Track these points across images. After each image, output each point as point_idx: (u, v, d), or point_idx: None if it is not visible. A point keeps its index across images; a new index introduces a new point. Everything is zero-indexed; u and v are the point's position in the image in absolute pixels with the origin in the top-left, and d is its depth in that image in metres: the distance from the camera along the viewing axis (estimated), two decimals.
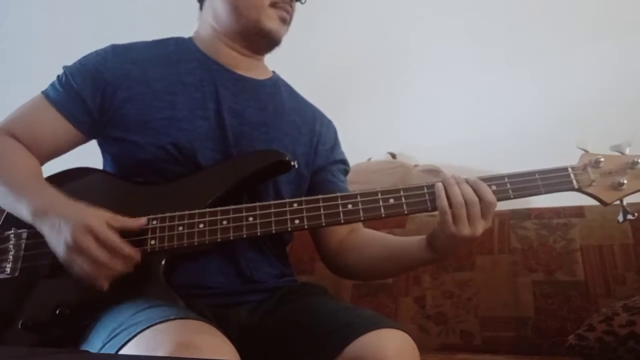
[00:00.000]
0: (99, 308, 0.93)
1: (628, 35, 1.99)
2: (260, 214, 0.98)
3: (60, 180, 1.05)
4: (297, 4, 1.18)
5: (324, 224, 1.00)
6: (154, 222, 0.98)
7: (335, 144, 1.26)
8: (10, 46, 2.87)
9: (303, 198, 1.00)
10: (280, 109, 1.19)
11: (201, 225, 0.97)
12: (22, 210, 0.97)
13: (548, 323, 1.45)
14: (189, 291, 1.00)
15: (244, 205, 0.99)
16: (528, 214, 1.62)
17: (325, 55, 2.38)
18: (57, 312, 0.94)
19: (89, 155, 1.15)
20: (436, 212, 1.00)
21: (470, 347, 1.50)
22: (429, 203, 0.99)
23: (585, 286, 1.46)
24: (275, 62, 1.26)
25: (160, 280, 0.97)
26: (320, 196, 1.00)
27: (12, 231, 1.01)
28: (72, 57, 1.15)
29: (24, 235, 1.01)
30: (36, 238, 0.99)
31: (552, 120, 2.01)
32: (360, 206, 0.99)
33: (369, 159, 2.23)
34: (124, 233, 0.94)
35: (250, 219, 0.98)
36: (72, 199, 0.97)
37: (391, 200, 0.99)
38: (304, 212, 0.99)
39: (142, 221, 0.96)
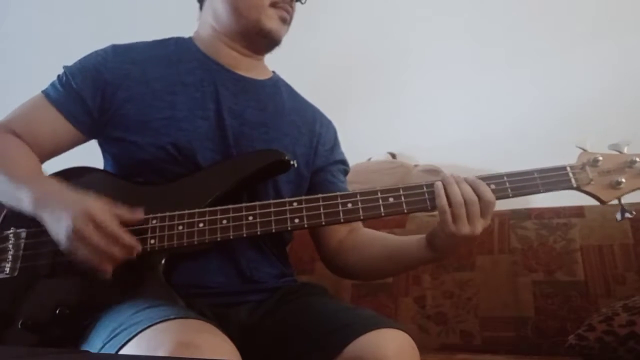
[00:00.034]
0: (99, 308, 0.93)
1: (628, 35, 1.99)
2: (260, 213, 0.98)
3: (60, 178, 1.05)
4: (297, 4, 1.18)
5: (323, 223, 1.00)
6: (154, 221, 0.98)
7: (335, 144, 1.26)
8: (10, 46, 2.87)
9: (303, 197, 1.00)
10: (280, 109, 1.19)
11: (201, 225, 0.97)
12: (23, 200, 0.97)
13: (548, 323, 1.45)
14: (189, 291, 1.00)
15: (243, 205, 0.99)
16: (528, 214, 1.62)
17: (325, 55, 2.38)
18: (57, 312, 0.94)
19: (89, 155, 1.15)
20: (436, 212, 1.00)
21: (470, 347, 1.50)
22: (428, 202, 0.99)
23: (585, 286, 1.46)
24: (275, 62, 1.26)
25: (160, 280, 0.97)
26: (320, 195, 1.00)
27: (12, 231, 1.01)
28: (72, 57, 1.15)
29: (23, 234, 1.01)
30: (35, 237, 0.99)
31: (552, 120, 2.01)
32: (360, 205, 0.99)
33: (369, 159, 2.23)
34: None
35: (250, 218, 0.98)
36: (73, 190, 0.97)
37: (391, 199, 0.99)
38: (304, 211, 0.99)
39: (140, 215, 0.97)
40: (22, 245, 1.00)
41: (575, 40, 2.07)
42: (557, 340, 1.41)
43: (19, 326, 0.94)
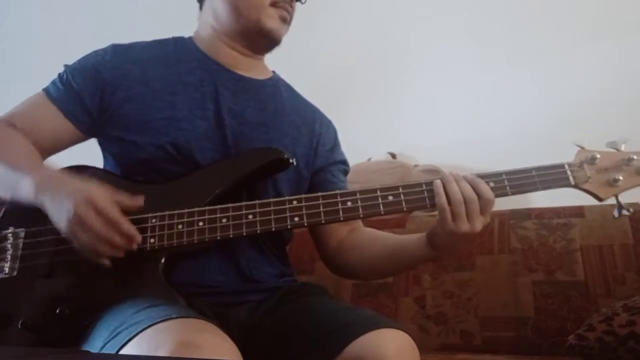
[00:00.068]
0: (100, 307, 0.93)
1: (628, 35, 1.99)
2: (259, 212, 0.98)
3: None
4: (297, 4, 1.18)
5: (323, 222, 1.00)
6: (153, 220, 0.98)
7: (335, 144, 1.26)
8: (10, 46, 2.87)
9: (302, 196, 1.00)
10: (280, 109, 1.19)
11: (201, 224, 0.97)
12: (24, 186, 0.97)
13: (548, 323, 1.45)
14: (188, 290, 0.99)
15: (243, 203, 0.99)
16: (528, 214, 1.62)
17: (325, 55, 2.37)
18: (57, 311, 0.94)
19: (88, 154, 1.15)
20: (436, 212, 1.00)
21: (470, 347, 1.50)
22: (427, 200, 1.00)
23: (585, 286, 1.46)
24: (275, 62, 1.26)
25: (160, 279, 0.97)
26: (319, 194, 1.00)
27: (10, 230, 1.01)
28: (72, 57, 1.15)
29: (22, 234, 1.01)
30: (34, 237, 0.99)
31: (552, 120, 2.01)
32: (359, 203, 0.99)
33: (369, 159, 2.23)
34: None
35: (250, 216, 0.98)
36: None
37: (390, 198, 0.99)
38: (304, 209, 0.99)
39: (140, 201, 0.97)
40: (21, 244, 1.00)
41: (575, 40, 2.07)
42: (557, 340, 1.41)
43: (19, 326, 0.94)
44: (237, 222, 0.98)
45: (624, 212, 0.99)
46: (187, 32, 1.23)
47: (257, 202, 0.99)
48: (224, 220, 0.98)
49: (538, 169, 1.01)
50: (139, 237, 0.94)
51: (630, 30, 2.00)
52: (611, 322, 1.15)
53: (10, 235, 1.01)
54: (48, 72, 1.15)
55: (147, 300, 0.89)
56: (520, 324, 1.48)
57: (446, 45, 2.25)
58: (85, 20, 2.74)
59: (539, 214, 1.61)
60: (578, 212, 1.57)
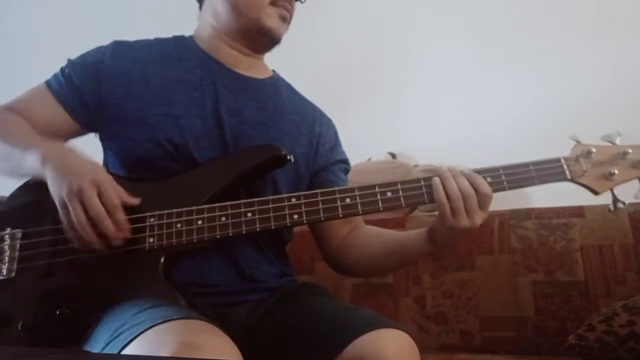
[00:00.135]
0: (100, 308, 0.93)
1: (628, 35, 1.99)
2: (258, 210, 0.98)
3: None
4: (297, 3, 1.18)
5: (322, 219, 1.00)
6: (152, 219, 0.98)
7: (335, 143, 1.26)
8: (10, 46, 2.87)
9: (301, 193, 1.00)
10: (279, 108, 1.19)
11: (200, 222, 0.97)
12: (29, 159, 0.97)
13: (548, 323, 1.45)
14: (189, 289, 1.00)
15: (242, 201, 0.99)
16: (528, 214, 1.62)
17: (325, 55, 2.37)
18: (58, 312, 0.94)
19: (89, 151, 1.15)
20: (436, 212, 1.01)
21: (470, 347, 1.50)
22: (425, 196, 1.00)
23: (585, 286, 1.46)
24: (275, 62, 1.26)
25: (160, 278, 0.97)
26: (318, 190, 1.00)
27: (7, 231, 1.00)
28: (72, 57, 1.15)
29: (19, 235, 1.00)
30: (31, 238, 0.99)
31: (552, 120, 2.01)
32: (358, 200, 0.99)
33: (369, 159, 2.23)
34: None
35: (249, 214, 0.98)
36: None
37: (388, 194, 1.00)
38: (303, 207, 0.99)
39: (136, 201, 0.97)
40: (18, 246, 0.99)
41: (575, 40, 2.07)
42: (557, 340, 1.41)
43: (19, 328, 0.93)
44: (236, 220, 0.97)
45: (620, 205, 1.00)
46: (187, 32, 1.23)
47: (255, 199, 0.99)
48: (223, 218, 0.97)
49: (535, 163, 1.01)
50: (127, 232, 0.94)
51: (630, 30, 1.99)
52: (611, 322, 1.14)
53: (7, 236, 1.00)
54: (48, 72, 1.15)
55: (148, 300, 0.89)
56: (520, 324, 1.48)
57: (446, 45, 2.25)
58: (85, 20, 2.74)
59: (539, 214, 1.61)
60: (578, 212, 1.57)
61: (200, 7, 1.23)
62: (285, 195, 1.00)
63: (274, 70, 1.26)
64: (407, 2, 2.34)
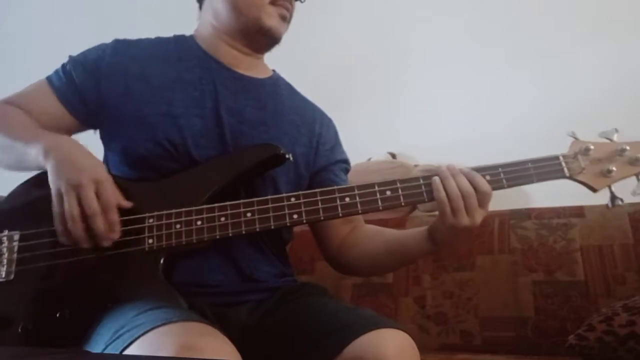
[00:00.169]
0: (100, 309, 0.92)
1: (628, 35, 1.99)
2: (258, 210, 0.98)
3: None
4: (297, 3, 1.18)
5: (322, 218, 0.99)
6: (151, 220, 0.97)
7: (336, 143, 1.26)
8: (10, 46, 2.87)
9: (300, 192, 1.00)
10: (279, 108, 1.19)
11: (199, 223, 0.97)
12: (32, 151, 0.98)
13: (548, 323, 1.45)
14: (189, 289, 0.99)
15: (241, 201, 0.99)
16: (528, 214, 1.62)
17: (325, 55, 2.38)
18: (58, 315, 0.93)
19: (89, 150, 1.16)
20: (436, 212, 1.01)
21: (470, 347, 1.50)
22: (425, 194, 1.00)
23: (585, 286, 1.46)
24: (275, 62, 1.26)
25: (160, 279, 0.96)
26: (317, 190, 1.00)
27: (5, 233, 1.00)
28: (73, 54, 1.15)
29: (16, 237, 0.99)
30: (29, 240, 0.98)
31: (552, 120, 2.00)
32: (357, 199, 0.99)
33: (369, 159, 2.23)
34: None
35: (249, 214, 0.97)
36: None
37: (388, 193, 1.00)
38: (302, 206, 0.99)
39: (128, 203, 0.98)
40: (16, 248, 0.98)
41: (575, 40, 2.07)
42: (557, 340, 1.41)
43: (19, 330, 0.93)
44: (235, 220, 0.97)
45: (618, 202, 1.01)
46: (187, 32, 1.23)
47: (255, 199, 0.99)
48: (223, 219, 0.97)
49: (533, 161, 1.02)
50: (118, 234, 0.95)
51: (630, 30, 2.00)
52: (611, 322, 1.14)
53: (5, 238, 0.99)
54: (48, 72, 1.15)
55: (148, 302, 0.89)
56: (520, 324, 1.48)
57: (446, 45, 2.25)
58: (85, 20, 2.74)
59: (539, 214, 1.61)
60: (578, 212, 1.57)
61: (200, 7, 1.23)
62: (284, 195, 1.00)
63: (274, 70, 1.26)
64: (407, 2, 2.34)
